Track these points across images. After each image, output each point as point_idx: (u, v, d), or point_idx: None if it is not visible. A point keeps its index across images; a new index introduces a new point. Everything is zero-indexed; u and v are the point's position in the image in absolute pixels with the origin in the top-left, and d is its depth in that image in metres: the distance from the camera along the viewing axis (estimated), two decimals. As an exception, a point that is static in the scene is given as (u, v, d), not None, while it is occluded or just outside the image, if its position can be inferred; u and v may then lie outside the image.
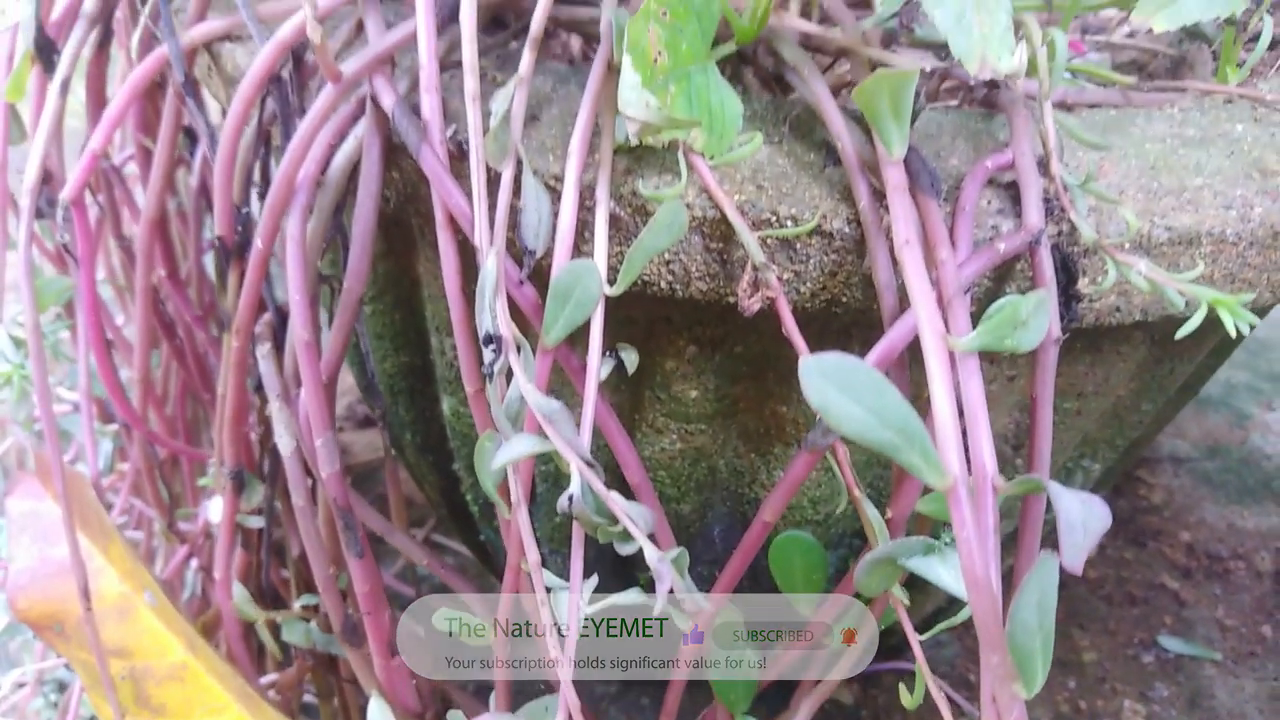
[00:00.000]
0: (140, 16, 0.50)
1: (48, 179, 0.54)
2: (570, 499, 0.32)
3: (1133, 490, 1.03)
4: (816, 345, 0.45)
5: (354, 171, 0.42)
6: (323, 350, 0.41)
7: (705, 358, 0.47)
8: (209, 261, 0.73)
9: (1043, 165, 0.39)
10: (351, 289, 0.40)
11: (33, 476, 0.65)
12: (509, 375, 0.36)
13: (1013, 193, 0.39)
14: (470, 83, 0.37)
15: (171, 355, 0.71)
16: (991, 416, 0.50)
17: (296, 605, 0.52)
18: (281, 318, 0.44)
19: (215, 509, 0.53)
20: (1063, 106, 0.47)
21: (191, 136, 0.57)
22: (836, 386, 0.29)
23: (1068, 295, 0.38)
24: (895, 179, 0.35)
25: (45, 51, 0.55)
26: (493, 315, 0.35)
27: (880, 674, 0.82)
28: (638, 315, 0.46)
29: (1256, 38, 0.52)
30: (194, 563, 0.73)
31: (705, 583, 0.59)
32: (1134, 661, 0.84)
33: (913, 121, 0.41)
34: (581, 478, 0.32)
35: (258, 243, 0.40)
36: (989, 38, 0.34)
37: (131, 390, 0.70)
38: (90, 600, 0.56)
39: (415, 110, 0.41)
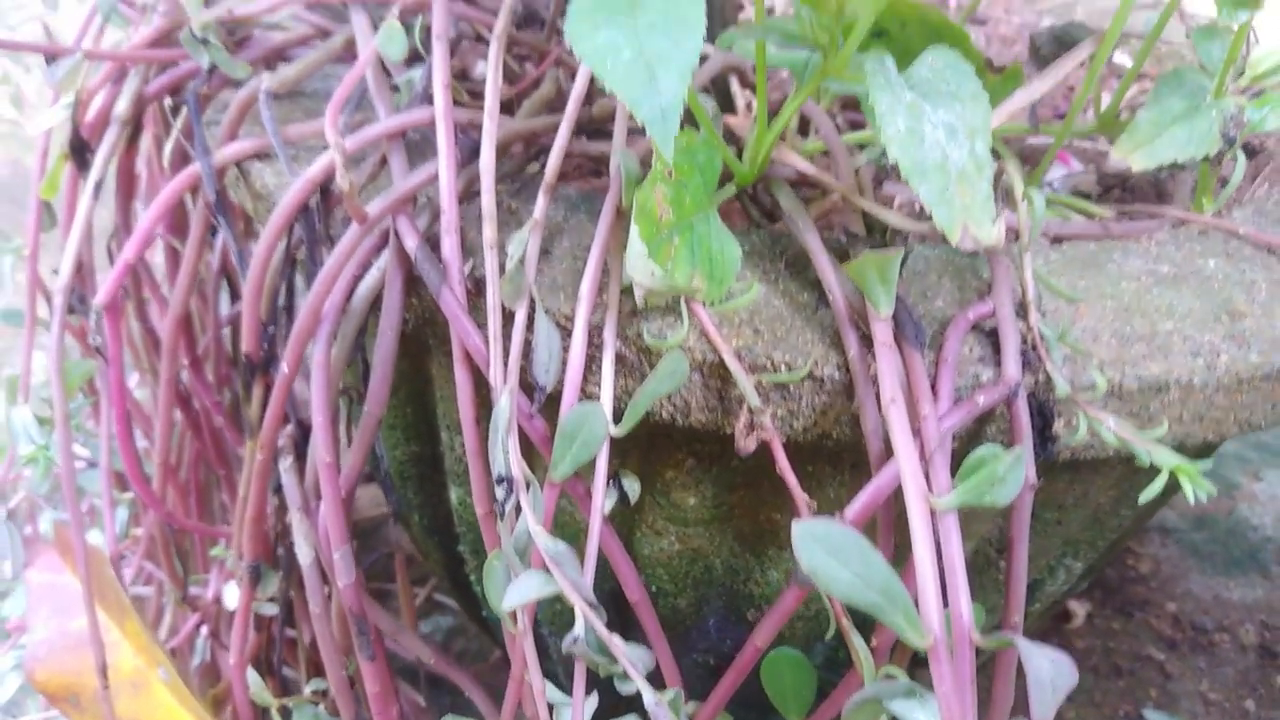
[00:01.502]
0: (173, 129, 0.53)
1: (79, 269, 0.57)
2: (575, 640, 0.34)
3: (1121, 559, 1.05)
4: (810, 466, 0.47)
5: (377, 298, 0.44)
6: (342, 467, 0.43)
7: (703, 469, 0.49)
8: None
9: (1021, 310, 0.42)
10: (371, 413, 0.43)
11: (52, 549, 0.68)
12: (519, 508, 0.38)
13: (993, 339, 0.41)
14: (489, 231, 0.40)
15: (186, 425, 0.73)
16: (976, 525, 0.53)
17: (307, 690, 0.54)
18: (303, 430, 0.46)
19: (231, 595, 0.55)
20: (1045, 237, 0.49)
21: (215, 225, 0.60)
22: (826, 550, 0.31)
23: (1043, 436, 0.41)
24: (882, 335, 0.37)
25: (79, 152, 0.58)
26: (505, 455, 0.37)
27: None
28: (639, 430, 0.48)
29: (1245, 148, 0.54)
30: (204, 629, 0.75)
31: (701, 669, 0.62)
32: (1118, 736, 0.85)
33: (903, 264, 0.43)
34: (585, 620, 0.34)
35: (284, 368, 0.43)
36: (970, 208, 0.37)
37: (146, 457, 0.72)
38: (107, 675, 0.59)
39: (434, 242, 0.44)
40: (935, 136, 0.36)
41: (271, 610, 0.55)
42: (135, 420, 0.73)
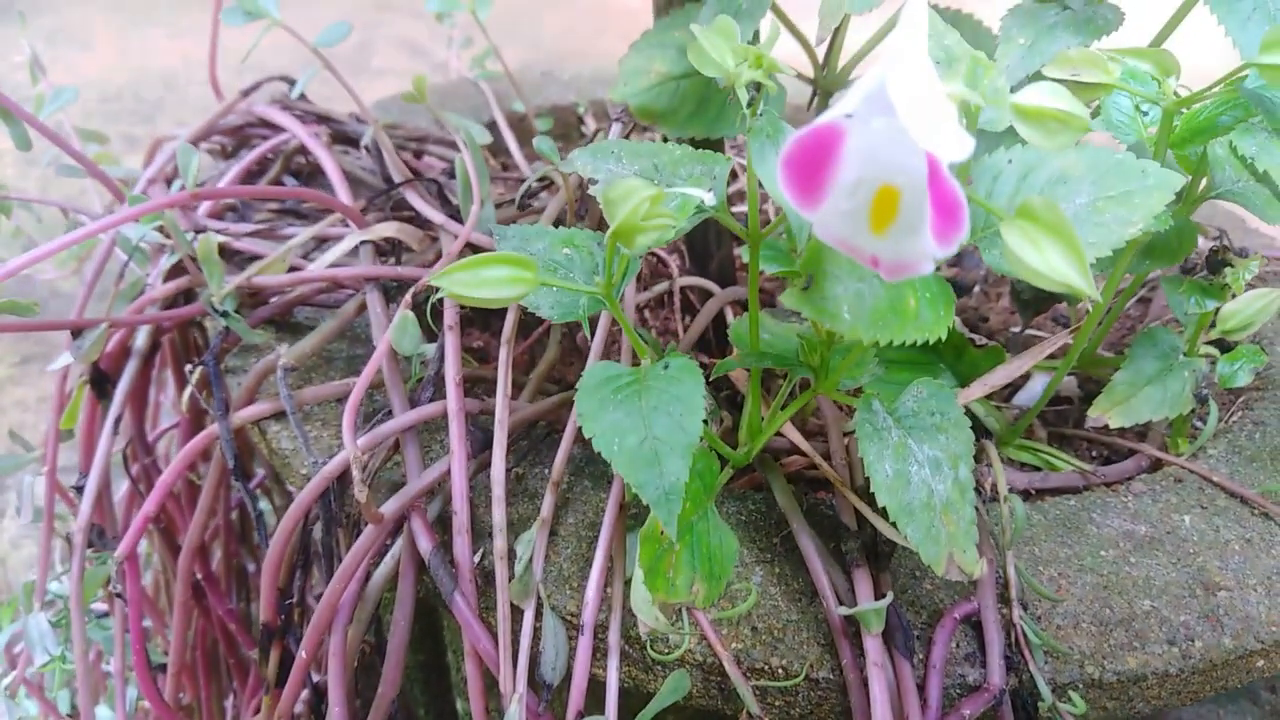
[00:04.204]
0: (188, 383, 0.55)
1: (99, 503, 0.59)
2: None
3: (1112, 689, 1.07)
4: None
5: (392, 578, 0.46)
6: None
7: (703, 716, 0.51)
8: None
9: (1004, 598, 0.44)
10: (385, 694, 0.45)
11: (66, 748, 0.69)
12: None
13: (979, 631, 0.43)
14: (500, 542, 0.42)
15: (196, 608, 0.75)
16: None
17: None
18: (318, 693, 0.48)
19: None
20: (1027, 494, 0.52)
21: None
22: None
23: (1029, 726, 0.43)
24: (874, 654, 0.40)
25: (100, 384, 0.60)
26: (516, 772, 0.39)
27: None
28: (642, 685, 0.50)
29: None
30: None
31: None
32: None
33: (892, 554, 0.45)
34: None
35: (301, 653, 0.45)
36: (955, 536, 0.39)
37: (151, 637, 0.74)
38: None
39: (445, 521, 0.46)
40: (921, 475, 0.38)
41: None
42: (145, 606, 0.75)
